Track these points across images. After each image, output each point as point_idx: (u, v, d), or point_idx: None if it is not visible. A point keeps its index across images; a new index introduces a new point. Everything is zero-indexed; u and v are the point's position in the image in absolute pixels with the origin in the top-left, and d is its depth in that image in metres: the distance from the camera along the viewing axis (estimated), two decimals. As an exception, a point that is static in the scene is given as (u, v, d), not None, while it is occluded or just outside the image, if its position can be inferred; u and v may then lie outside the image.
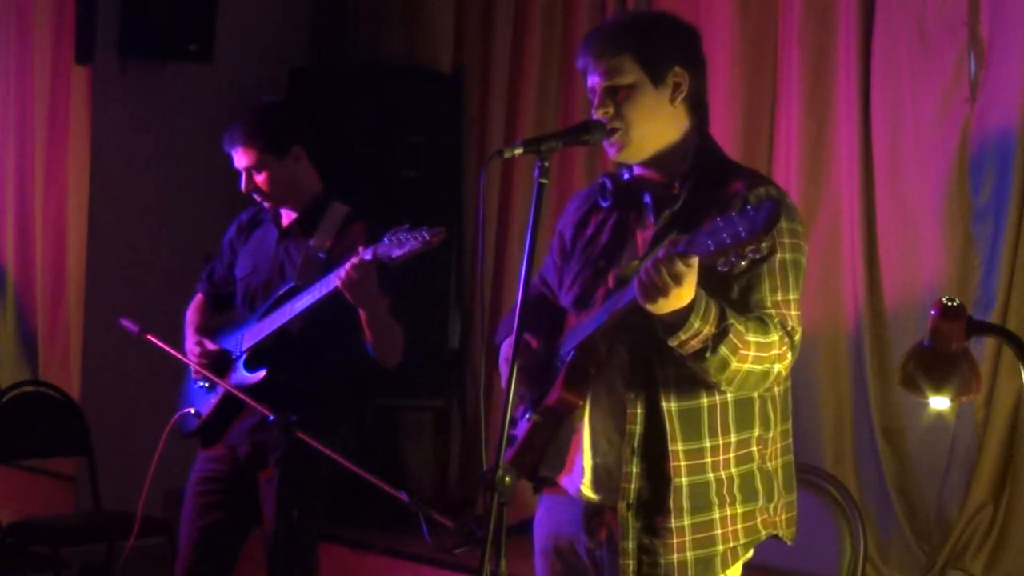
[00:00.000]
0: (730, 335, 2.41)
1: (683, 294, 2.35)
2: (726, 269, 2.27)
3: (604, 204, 2.75)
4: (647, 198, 2.67)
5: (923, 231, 4.75)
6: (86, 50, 5.89)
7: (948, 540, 4.59)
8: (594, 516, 2.68)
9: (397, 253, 3.36)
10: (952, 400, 2.35)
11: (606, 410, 2.64)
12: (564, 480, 2.72)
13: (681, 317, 2.39)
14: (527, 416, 2.74)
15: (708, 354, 2.42)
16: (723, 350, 2.42)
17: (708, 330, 2.40)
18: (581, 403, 2.65)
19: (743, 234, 2.20)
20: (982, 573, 4.55)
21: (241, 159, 3.80)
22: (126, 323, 3.84)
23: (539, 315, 2.79)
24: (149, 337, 3.76)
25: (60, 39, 5.94)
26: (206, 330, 3.96)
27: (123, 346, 4.93)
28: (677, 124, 2.66)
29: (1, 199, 6.21)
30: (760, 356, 2.46)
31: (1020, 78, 4.47)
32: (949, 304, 2.27)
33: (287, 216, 3.89)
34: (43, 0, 5.93)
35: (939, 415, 4.52)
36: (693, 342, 2.41)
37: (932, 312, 2.28)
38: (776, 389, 2.63)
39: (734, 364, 2.44)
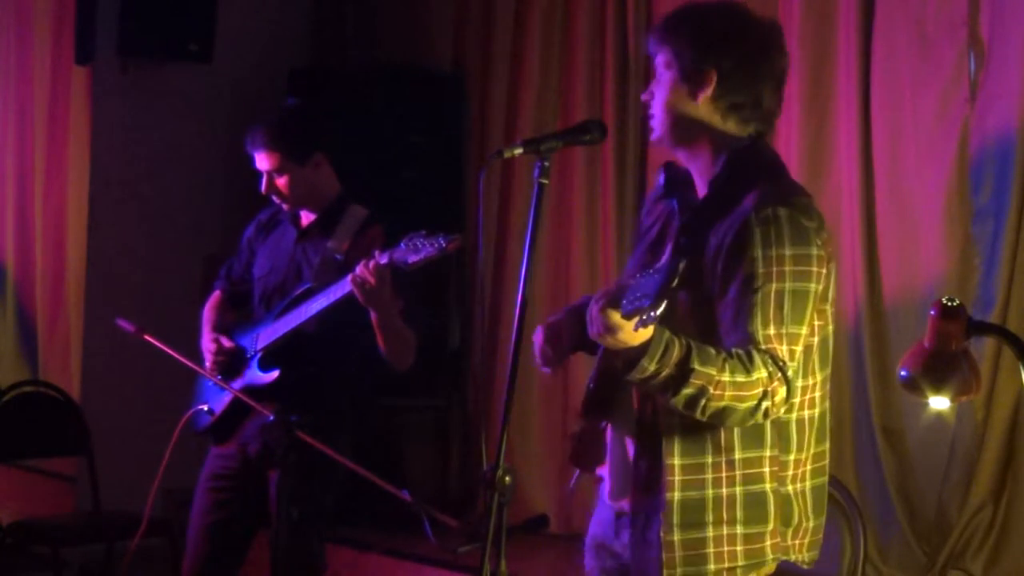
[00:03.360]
0: (691, 379, 2.36)
1: (627, 339, 2.32)
2: (641, 326, 2.25)
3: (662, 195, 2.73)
4: (675, 202, 2.65)
5: (923, 231, 4.75)
6: (86, 50, 5.89)
7: (948, 540, 4.60)
8: (619, 517, 2.69)
9: (413, 259, 3.38)
10: (952, 400, 2.35)
11: (624, 421, 2.64)
12: (603, 481, 2.75)
13: (635, 358, 2.36)
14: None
15: (670, 394, 2.39)
16: (686, 391, 2.37)
17: (667, 372, 2.36)
18: (601, 426, 2.66)
19: (644, 300, 2.19)
20: (982, 573, 4.56)
21: (263, 162, 3.82)
22: (123, 323, 3.84)
23: None
24: (147, 337, 3.77)
25: (60, 39, 5.95)
26: (223, 327, 3.98)
27: (123, 346, 4.93)
28: (703, 122, 2.58)
29: (1, 199, 6.22)
30: (740, 395, 2.39)
31: (1020, 78, 4.47)
32: (949, 304, 2.27)
33: (306, 217, 3.92)
34: (43, 0, 5.93)
35: (939, 415, 4.52)
36: (652, 382, 2.38)
37: (932, 312, 2.28)
38: (806, 412, 2.55)
39: (705, 403, 2.38)
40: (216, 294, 4.11)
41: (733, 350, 2.41)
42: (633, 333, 2.30)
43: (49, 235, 6.10)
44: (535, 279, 5.57)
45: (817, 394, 2.57)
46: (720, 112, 2.57)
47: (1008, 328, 3.51)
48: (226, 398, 3.85)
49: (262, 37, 6.49)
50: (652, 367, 2.34)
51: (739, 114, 2.58)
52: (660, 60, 2.60)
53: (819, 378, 2.57)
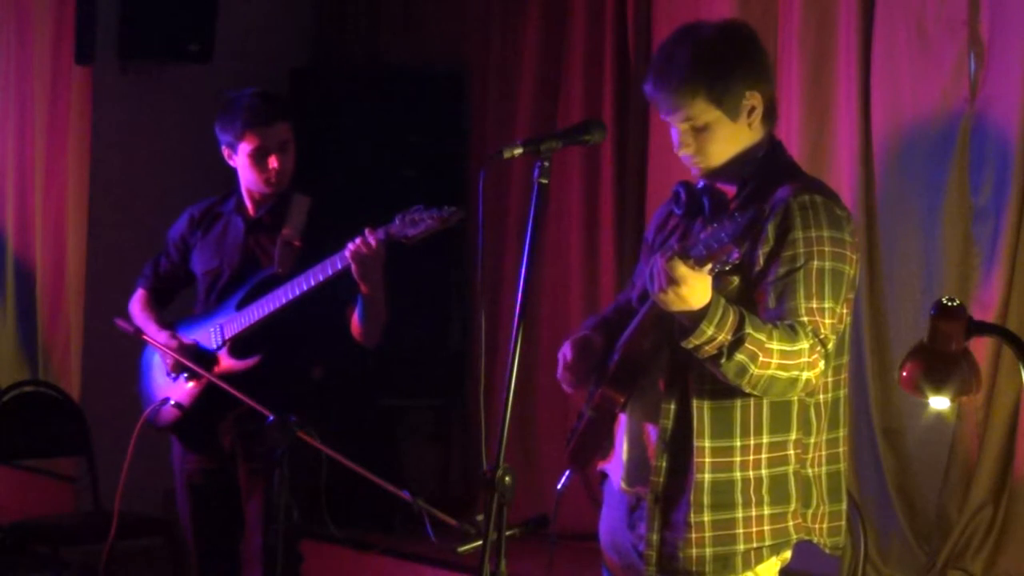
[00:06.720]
0: (746, 344, 2.43)
1: (689, 296, 2.38)
2: (717, 271, 2.34)
3: (678, 212, 2.78)
4: (706, 204, 2.70)
5: (923, 231, 4.75)
6: (86, 51, 5.88)
7: (948, 540, 4.60)
8: (634, 510, 2.72)
9: (412, 232, 3.41)
10: (952, 400, 2.36)
11: (645, 405, 2.68)
12: (611, 474, 2.78)
13: (694, 321, 2.42)
14: (584, 411, 2.80)
15: (723, 360, 2.44)
16: (739, 357, 2.44)
17: (723, 337, 2.43)
18: (622, 400, 2.69)
19: (725, 238, 2.28)
20: (982, 573, 4.55)
21: (282, 132, 3.80)
22: (121, 323, 3.84)
23: (619, 317, 2.83)
24: (145, 337, 3.77)
25: (60, 39, 5.94)
26: (167, 325, 3.96)
27: (123, 346, 4.91)
28: (753, 137, 2.68)
29: (1, 199, 6.21)
30: (785, 364, 2.47)
31: (1020, 78, 4.47)
32: (949, 304, 2.28)
33: (251, 207, 3.89)
34: (43, 0, 5.92)
35: (939, 415, 4.52)
36: (707, 348, 2.44)
37: (932, 312, 2.28)
38: (821, 396, 2.63)
39: (754, 370, 2.45)
40: (142, 292, 4.10)
41: (777, 322, 2.49)
42: (696, 289, 2.37)
43: (49, 235, 6.08)
44: (535, 279, 5.58)
45: (830, 379, 2.64)
46: (761, 123, 2.67)
47: (1008, 328, 3.51)
48: (191, 389, 3.83)
49: (262, 37, 6.49)
50: (710, 331, 2.42)
51: (769, 118, 2.69)
52: (685, 116, 2.62)
53: (834, 364, 2.64)
